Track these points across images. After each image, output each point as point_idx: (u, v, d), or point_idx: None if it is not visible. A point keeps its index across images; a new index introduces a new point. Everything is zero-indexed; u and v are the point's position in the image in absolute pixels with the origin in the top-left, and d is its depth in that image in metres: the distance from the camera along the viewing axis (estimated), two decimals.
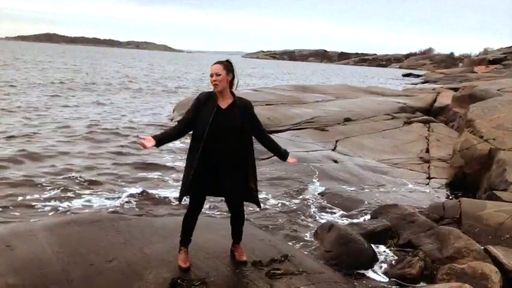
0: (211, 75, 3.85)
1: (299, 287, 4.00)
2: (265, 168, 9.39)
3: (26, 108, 16.76)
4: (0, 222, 6.02)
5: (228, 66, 3.90)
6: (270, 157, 9.92)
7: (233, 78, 3.95)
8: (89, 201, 7.34)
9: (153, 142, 3.76)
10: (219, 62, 3.92)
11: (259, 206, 4.25)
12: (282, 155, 4.15)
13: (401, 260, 5.20)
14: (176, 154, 10.92)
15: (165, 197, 7.69)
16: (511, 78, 30.03)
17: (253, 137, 4.06)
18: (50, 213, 6.73)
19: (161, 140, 3.85)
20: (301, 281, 4.12)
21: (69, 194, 7.56)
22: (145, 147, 3.76)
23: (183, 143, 12.09)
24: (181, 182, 4.12)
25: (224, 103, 3.90)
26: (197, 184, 3.93)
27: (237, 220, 4.22)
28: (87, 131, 13.10)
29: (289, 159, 4.15)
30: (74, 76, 34.33)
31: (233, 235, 4.31)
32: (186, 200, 4.09)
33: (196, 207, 4.11)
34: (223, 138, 3.84)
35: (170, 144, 11.91)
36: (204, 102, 3.91)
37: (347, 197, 8.02)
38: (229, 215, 4.27)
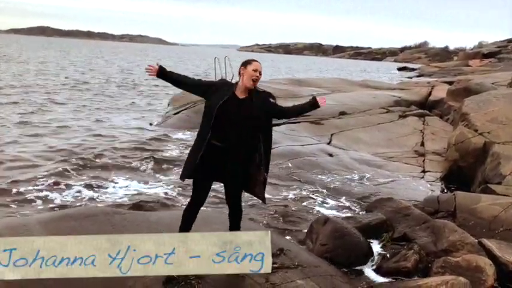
0: (255, 71, 3.89)
1: (295, 280, 4.01)
2: None
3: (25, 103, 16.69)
4: None
5: None
6: None
7: None
8: (83, 195, 7.31)
9: (156, 72, 3.94)
10: (257, 60, 3.97)
11: (263, 201, 4.18)
12: (312, 105, 4.17)
13: (396, 253, 5.22)
14: (173, 147, 10.90)
15: (161, 192, 7.68)
16: (505, 71, 30.12)
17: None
18: (44, 207, 6.71)
19: (165, 73, 3.98)
20: (296, 274, 4.13)
21: (65, 188, 7.54)
22: (151, 72, 3.93)
23: (183, 134, 12.09)
24: (185, 160, 4.10)
25: (241, 94, 3.93)
26: (203, 168, 3.92)
27: (235, 214, 4.21)
28: (80, 128, 13.07)
29: (320, 102, 4.13)
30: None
31: (231, 229, 4.30)
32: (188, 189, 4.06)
33: (199, 197, 4.08)
34: (235, 125, 3.83)
35: (170, 135, 11.97)
36: (220, 86, 3.97)
37: (342, 191, 8.04)
38: (226, 208, 4.26)
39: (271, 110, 4.04)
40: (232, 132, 3.84)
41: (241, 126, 3.85)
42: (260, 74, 3.94)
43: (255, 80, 3.90)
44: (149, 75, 4.00)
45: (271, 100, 4.08)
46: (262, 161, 4.02)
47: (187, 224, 4.11)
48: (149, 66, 4.00)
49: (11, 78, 24.37)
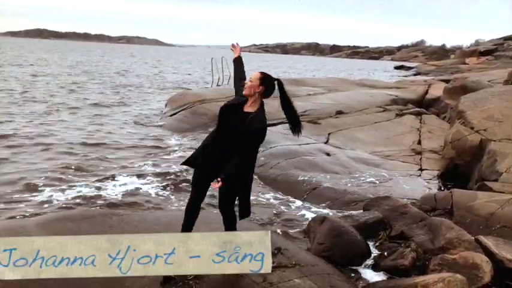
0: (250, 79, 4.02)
1: (292, 279, 4.03)
2: (257, 161, 9.39)
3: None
4: None
5: (264, 78, 4.00)
6: (263, 151, 9.95)
7: (265, 92, 4.01)
8: (81, 196, 7.31)
9: (237, 53, 4.48)
10: (260, 72, 4.08)
11: (240, 217, 4.22)
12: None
13: (394, 251, 5.25)
14: (170, 147, 10.91)
15: (159, 192, 7.70)
16: (501, 69, 30.22)
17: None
18: (42, 208, 6.72)
19: (240, 60, 4.45)
20: (294, 273, 4.15)
21: (63, 189, 7.54)
22: (235, 50, 4.48)
23: (180, 134, 12.09)
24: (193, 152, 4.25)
25: (248, 108, 3.98)
26: (203, 158, 4.04)
27: (228, 221, 4.27)
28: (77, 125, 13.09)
29: (214, 183, 3.87)
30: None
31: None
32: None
33: (198, 192, 4.14)
34: (234, 135, 3.89)
35: (167, 136, 11.99)
36: (241, 96, 4.09)
37: (339, 190, 8.06)
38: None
39: (250, 131, 3.86)
40: (233, 141, 3.88)
41: (238, 138, 3.88)
42: (250, 80, 3.98)
43: (245, 88, 3.97)
44: (232, 50, 4.50)
45: (262, 127, 3.96)
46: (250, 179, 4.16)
47: (189, 221, 4.16)
48: (236, 44, 4.53)
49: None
